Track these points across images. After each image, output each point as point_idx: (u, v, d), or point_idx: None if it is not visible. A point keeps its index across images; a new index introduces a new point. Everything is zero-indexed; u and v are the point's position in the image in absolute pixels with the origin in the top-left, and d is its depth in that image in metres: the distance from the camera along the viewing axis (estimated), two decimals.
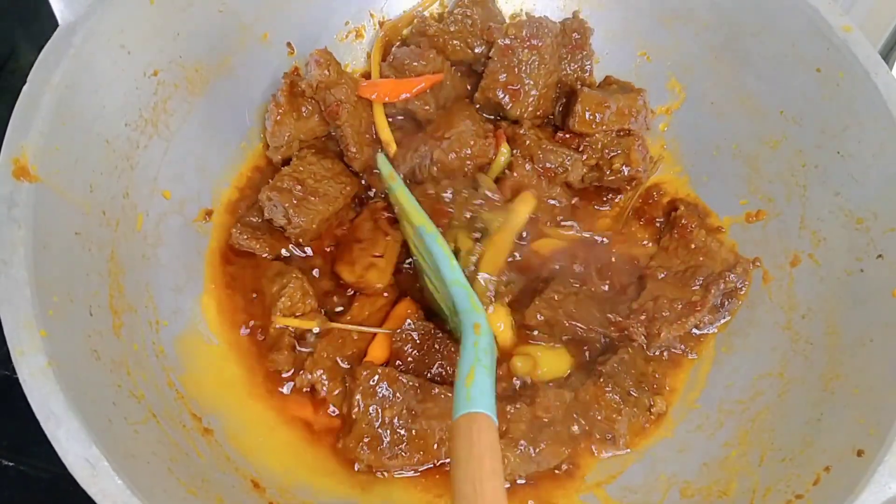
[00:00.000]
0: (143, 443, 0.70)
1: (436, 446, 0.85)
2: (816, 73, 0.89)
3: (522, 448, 0.83)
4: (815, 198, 0.91)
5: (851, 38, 0.86)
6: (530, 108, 1.01)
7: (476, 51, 1.04)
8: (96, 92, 0.78)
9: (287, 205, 0.92)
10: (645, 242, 1.02)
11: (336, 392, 0.88)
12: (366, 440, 0.83)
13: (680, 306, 0.92)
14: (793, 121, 0.93)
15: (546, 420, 0.85)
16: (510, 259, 0.93)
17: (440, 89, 1.02)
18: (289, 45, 1.02)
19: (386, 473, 0.85)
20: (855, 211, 0.86)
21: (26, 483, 0.90)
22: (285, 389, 0.89)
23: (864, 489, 0.67)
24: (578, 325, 0.92)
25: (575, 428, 0.88)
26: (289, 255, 0.96)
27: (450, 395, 0.85)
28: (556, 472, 0.86)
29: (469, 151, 0.96)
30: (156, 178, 0.88)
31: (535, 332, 0.94)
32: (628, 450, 0.89)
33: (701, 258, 0.96)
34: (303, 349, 0.90)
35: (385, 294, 0.94)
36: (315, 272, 0.96)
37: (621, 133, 1.01)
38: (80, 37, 0.75)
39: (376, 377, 0.85)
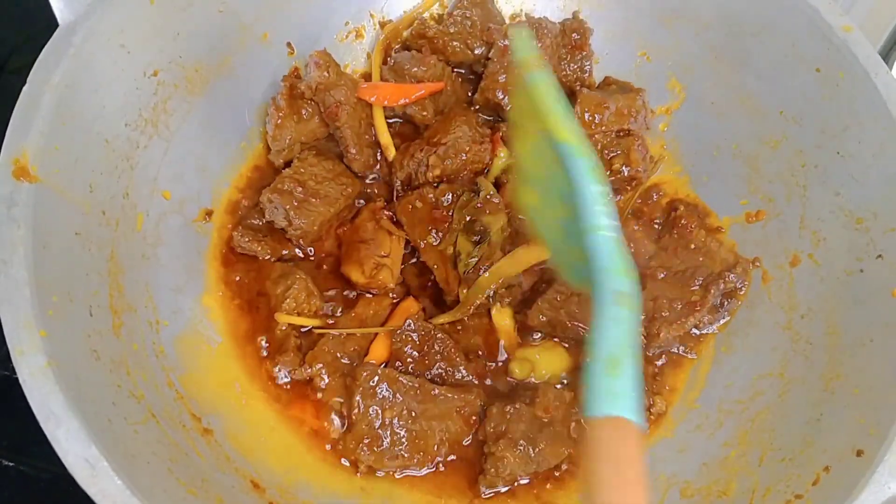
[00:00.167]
0: (143, 443, 0.70)
1: (436, 447, 0.85)
2: (816, 73, 0.89)
3: (522, 448, 0.83)
4: (815, 198, 0.91)
5: (851, 38, 0.86)
6: None
7: (476, 52, 1.04)
8: (96, 92, 0.78)
9: (288, 207, 0.92)
10: (644, 242, 1.02)
11: (333, 386, 0.88)
12: (366, 441, 0.83)
13: (679, 306, 0.92)
14: (793, 121, 0.93)
15: (546, 420, 0.85)
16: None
17: (439, 95, 1.02)
18: (289, 45, 1.02)
19: (386, 474, 0.85)
20: (855, 211, 0.86)
21: (26, 483, 0.90)
22: (284, 382, 0.89)
23: (864, 489, 0.67)
24: (580, 325, 0.92)
25: (575, 428, 0.88)
26: (291, 256, 0.96)
27: (450, 395, 0.85)
28: (556, 472, 0.86)
29: (465, 157, 0.96)
30: (156, 178, 0.88)
31: (538, 334, 0.94)
32: None
33: (701, 258, 0.96)
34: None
35: (392, 294, 0.95)
36: (318, 272, 0.96)
37: (621, 133, 1.01)
38: (80, 37, 0.75)
39: (376, 378, 0.85)
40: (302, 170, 0.96)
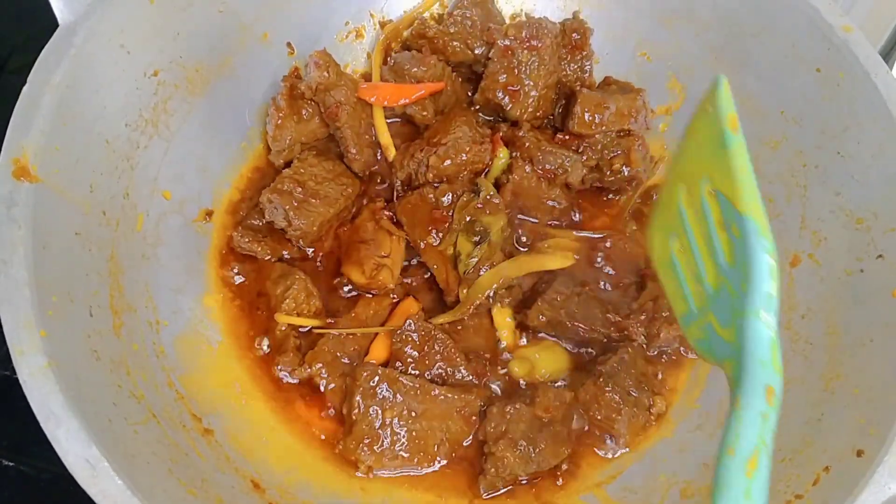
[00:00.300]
0: (143, 443, 0.70)
1: (436, 447, 0.85)
2: (816, 74, 0.89)
3: (522, 448, 0.83)
4: (815, 198, 0.91)
5: (851, 39, 0.86)
6: (530, 109, 1.01)
7: (476, 52, 1.04)
8: (97, 92, 0.78)
9: (287, 207, 0.92)
10: (644, 243, 1.02)
11: (332, 386, 0.88)
12: (366, 441, 0.83)
13: None
14: (793, 121, 0.93)
15: (546, 420, 0.85)
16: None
17: (440, 95, 1.02)
18: (289, 45, 1.02)
19: (386, 474, 0.85)
20: (855, 211, 0.86)
21: (26, 483, 0.90)
22: (284, 379, 0.89)
23: (864, 489, 0.67)
24: (580, 325, 0.92)
25: (575, 428, 0.88)
26: (291, 256, 0.96)
27: (450, 395, 0.86)
28: (556, 472, 0.86)
29: (465, 157, 0.96)
30: (156, 179, 0.88)
31: (539, 334, 0.94)
32: (628, 449, 0.89)
33: None
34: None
35: (392, 294, 0.95)
36: (318, 272, 0.96)
37: (621, 133, 1.01)
38: (80, 37, 0.75)
39: (376, 378, 0.85)
40: (302, 170, 0.96)
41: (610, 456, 0.88)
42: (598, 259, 0.99)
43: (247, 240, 0.93)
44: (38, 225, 0.69)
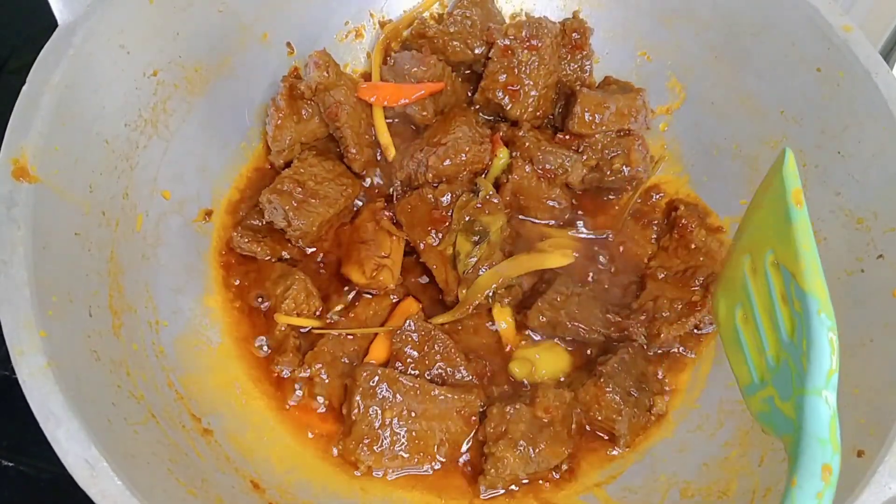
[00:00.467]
0: (143, 443, 0.70)
1: (436, 447, 0.85)
2: (816, 73, 0.89)
3: (522, 448, 0.83)
4: (815, 198, 0.90)
5: (852, 38, 0.86)
6: (530, 109, 1.01)
7: (476, 52, 1.04)
8: (96, 92, 0.78)
9: (287, 207, 0.92)
10: (644, 243, 1.02)
11: (331, 386, 0.88)
12: (366, 441, 0.83)
13: (680, 306, 0.92)
14: (793, 121, 0.93)
15: (546, 420, 0.85)
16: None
17: (439, 95, 1.02)
18: (288, 45, 1.02)
19: (386, 474, 0.85)
20: (855, 211, 0.85)
21: (26, 483, 0.90)
22: (284, 376, 0.89)
23: (865, 489, 0.67)
24: (580, 325, 0.92)
25: (575, 428, 0.88)
26: (291, 257, 0.96)
27: (450, 395, 0.85)
28: (556, 472, 0.86)
29: (464, 157, 0.96)
30: (155, 179, 0.88)
31: (538, 335, 0.94)
32: (628, 450, 0.89)
33: (701, 258, 0.96)
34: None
35: (392, 294, 0.95)
36: (318, 272, 0.96)
37: (621, 133, 1.01)
38: (79, 37, 0.75)
39: (376, 378, 0.85)
40: (302, 170, 0.96)
41: (610, 456, 0.88)
42: (599, 259, 0.99)
43: (246, 240, 0.93)
44: (37, 225, 0.69)
